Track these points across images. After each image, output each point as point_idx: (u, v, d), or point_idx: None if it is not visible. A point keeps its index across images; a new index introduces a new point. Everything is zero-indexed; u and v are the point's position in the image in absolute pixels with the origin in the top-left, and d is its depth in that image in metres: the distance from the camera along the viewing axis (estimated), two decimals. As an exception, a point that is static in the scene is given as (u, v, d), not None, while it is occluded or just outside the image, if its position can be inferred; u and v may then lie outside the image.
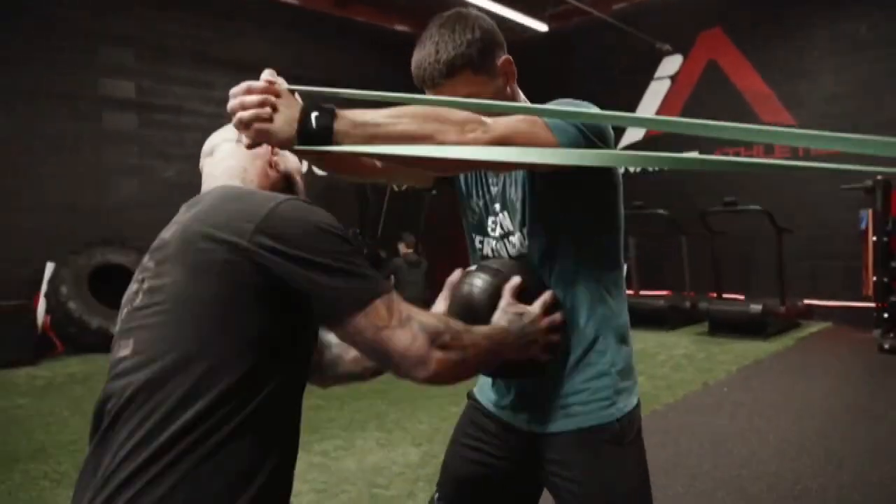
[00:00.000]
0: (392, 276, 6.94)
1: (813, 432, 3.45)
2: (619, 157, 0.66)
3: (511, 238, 1.18)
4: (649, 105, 8.36)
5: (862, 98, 6.89)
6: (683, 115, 8.17)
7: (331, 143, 0.84)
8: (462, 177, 1.29)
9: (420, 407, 3.99)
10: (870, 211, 6.15)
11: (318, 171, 6.44)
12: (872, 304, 6.26)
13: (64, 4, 6.36)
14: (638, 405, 1.18)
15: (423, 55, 1.09)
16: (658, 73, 8.40)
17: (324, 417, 3.79)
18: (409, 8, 8.93)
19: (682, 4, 8.13)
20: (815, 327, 6.67)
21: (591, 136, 0.99)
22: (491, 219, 1.22)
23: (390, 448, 3.25)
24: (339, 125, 0.85)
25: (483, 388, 1.30)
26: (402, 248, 7.16)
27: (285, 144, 0.85)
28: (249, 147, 0.86)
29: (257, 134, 0.84)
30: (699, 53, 8.09)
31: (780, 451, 3.17)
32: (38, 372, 5.10)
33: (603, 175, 1.11)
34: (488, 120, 0.92)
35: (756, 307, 6.10)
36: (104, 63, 6.65)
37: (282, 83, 0.88)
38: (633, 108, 8.06)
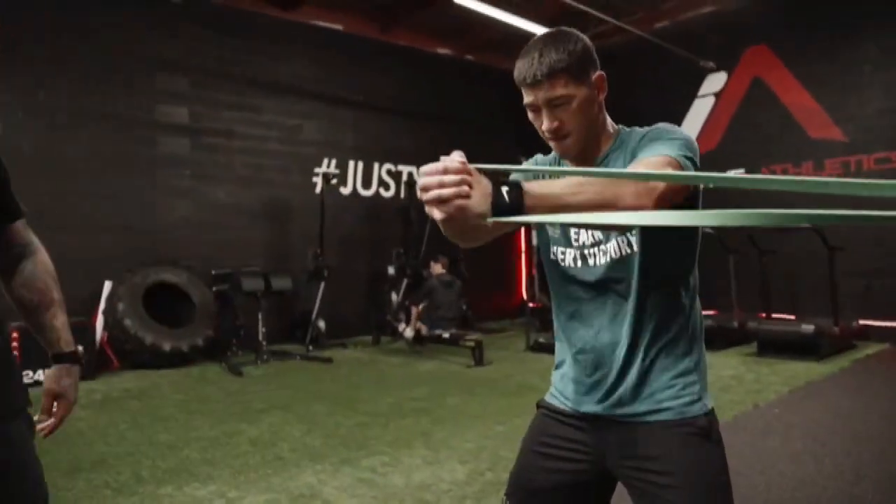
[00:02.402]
0: (427, 297, 6.98)
1: (871, 456, 3.34)
2: (768, 216, 0.71)
3: (603, 246, 1.26)
4: (693, 123, 8.28)
5: (914, 112, 6.70)
6: (729, 131, 8.07)
7: (522, 213, 0.94)
8: None
9: (465, 426, 4.00)
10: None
11: (363, 192, 6.49)
12: (932, 325, 6.05)
13: (123, 30, 6.69)
14: (714, 408, 1.24)
15: (527, 59, 1.18)
16: (702, 91, 8.32)
17: (369, 435, 3.84)
18: (451, 32, 9.08)
19: (725, 22, 8.07)
20: (871, 349, 6.44)
21: (696, 160, 1.14)
22: (574, 230, 1.29)
23: (437, 466, 3.27)
24: (528, 200, 0.94)
25: (563, 392, 1.34)
26: (437, 268, 7.23)
27: (479, 218, 0.92)
28: (445, 221, 0.92)
29: (457, 210, 0.91)
30: (744, 70, 7.98)
31: (837, 475, 3.08)
32: (96, 386, 5.29)
33: (695, 198, 1.19)
34: (650, 182, 1.02)
35: (808, 327, 5.93)
36: (160, 88, 6.96)
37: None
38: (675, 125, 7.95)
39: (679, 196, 1.06)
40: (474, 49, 9.76)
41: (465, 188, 0.90)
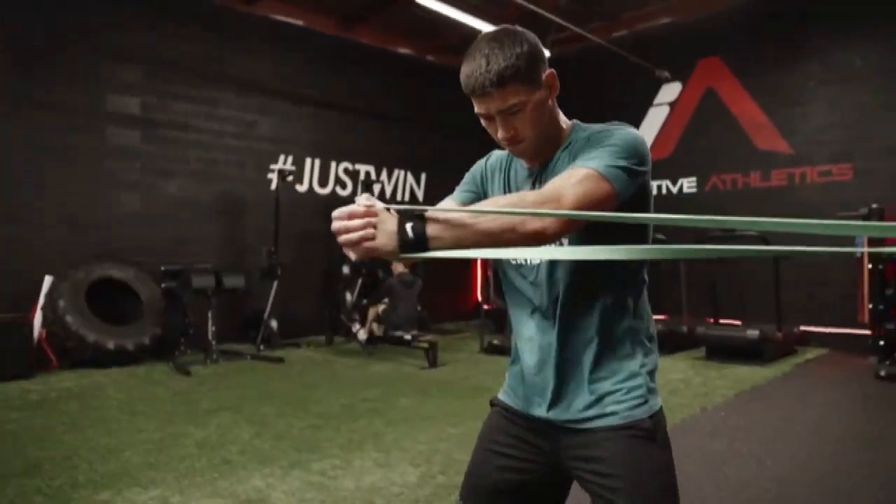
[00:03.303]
0: (387, 296, 6.91)
1: (811, 458, 3.43)
2: (699, 251, 0.73)
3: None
4: (648, 131, 8.44)
5: (854, 128, 6.97)
6: (683, 140, 8.25)
7: (427, 248, 0.98)
8: (491, 189, 1.36)
9: (418, 428, 3.96)
10: (865, 238, 6.17)
11: (320, 190, 6.44)
12: (868, 332, 6.28)
13: (73, 19, 6.41)
14: (662, 408, 1.24)
15: (473, 66, 1.14)
16: (657, 100, 8.49)
17: (320, 437, 3.76)
18: (412, 32, 9.04)
19: (681, 33, 8.26)
20: (811, 353, 6.67)
21: (634, 167, 1.11)
22: None
23: (388, 468, 3.22)
24: (430, 230, 0.98)
25: (514, 391, 1.33)
26: (398, 266, 7.09)
27: (391, 255, 0.99)
28: (358, 261, 1.03)
29: (365, 251, 0.99)
30: (697, 81, 8.18)
31: (779, 477, 3.15)
32: (32, 386, 5.05)
33: (637, 200, 1.16)
34: (556, 192, 1.04)
35: (753, 333, 6.10)
36: (110, 78, 6.69)
37: (378, 204, 1.02)
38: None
39: (603, 208, 1.05)
40: (436, 50, 9.74)
41: (370, 231, 0.97)
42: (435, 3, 6.96)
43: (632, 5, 8.06)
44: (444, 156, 9.72)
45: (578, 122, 1.29)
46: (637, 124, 8.41)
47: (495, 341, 6.94)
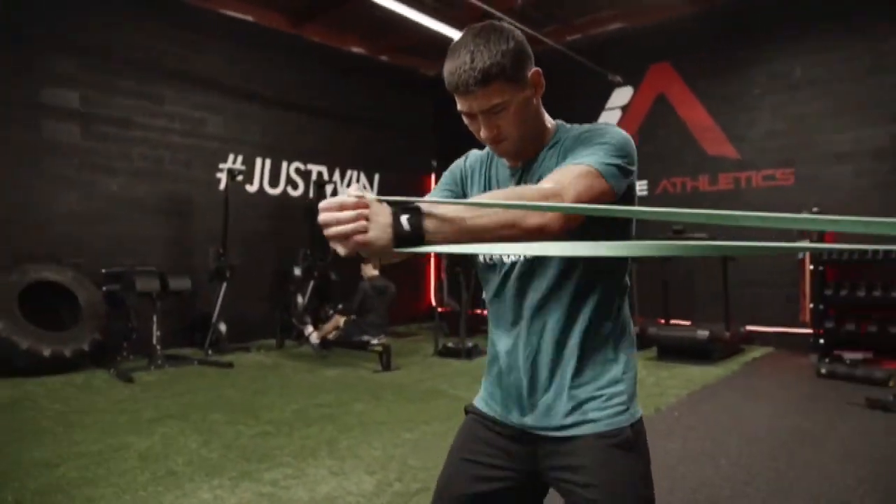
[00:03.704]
0: (361, 305, 6.69)
1: (762, 455, 3.49)
2: (701, 248, 0.72)
3: None
4: (600, 134, 8.52)
5: (796, 135, 7.19)
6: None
7: (423, 242, 0.92)
8: (471, 189, 1.34)
9: (373, 433, 3.87)
10: (807, 241, 6.38)
11: (270, 191, 6.26)
12: (809, 331, 6.49)
13: (6, 5, 6.06)
14: (642, 415, 1.22)
15: (458, 63, 1.11)
16: (609, 104, 8.58)
17: (272, 445, 3.63)
18: (366, 31, 8.91)
19: (633, 39, 8.39)
20: (757, 352, 6.84)
21: (626, 165, 1.10)
22: None
23: (343, 477, 3.12)
24: (428, 224, 0.92)
25: (492, 396, 1.30)
26: (368, 269, 6.84)
27: (384, 250, 0.92)
28: (350, 256, 0.95)
29: (357, 246, 0.91)
30: (649, 86, 8.31)
31: (732, 475, 3.19)
32: (-40, 396, 4.73)
33: (625, 198, 1.15)
34: (558, 187, 1.01)
35: (703, 333, 6.22)
36: (47, 70, 6.35)
37: (369, 195, 0.95)
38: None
39: (601, 203, 1.04)
40: (390, 51, 9.64)
41: (363, 223, 0.90)
42: (389, 2, 6.87)
43: (586, 10, 8.14)
44: (398, 156, 9.68)
45: (562, 122, 1.27)
46: (590, 128, 8.54)
47: (449, 344, 6.89)
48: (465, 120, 1.19)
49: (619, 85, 8.42)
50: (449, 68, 1.13)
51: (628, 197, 1.16)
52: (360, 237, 0.91)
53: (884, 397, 4.52)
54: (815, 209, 6.54)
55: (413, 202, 0.95)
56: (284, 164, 8.43)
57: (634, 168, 1.14)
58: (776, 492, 2.97)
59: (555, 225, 0.97)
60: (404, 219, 0.91)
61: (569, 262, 1.17)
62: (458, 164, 1.39)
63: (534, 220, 0.96)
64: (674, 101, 8.08)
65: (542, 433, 1.20)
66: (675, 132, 7.97)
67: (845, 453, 3.53)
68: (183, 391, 5.03)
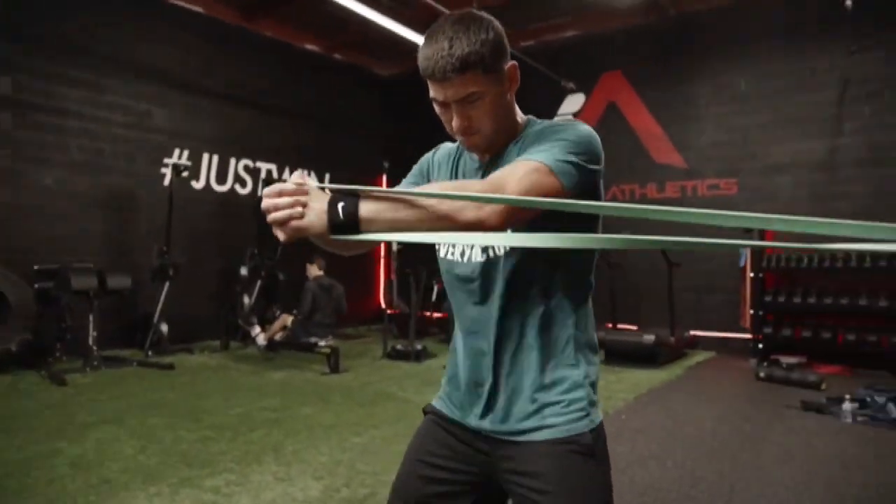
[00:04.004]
0: (308, 304, 6.58)
1: (706, 458, 3.56)
2: (652, 242, 0.75)
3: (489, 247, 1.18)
4: (552, 139, 8.62)
5: (740, 145, 7.43)
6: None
7: (359, 230, 0.93)
8: (436, 181, 1.31)
9: (320, 438, 3.77)
10: (748, 249, 6.59)
11: (217, 187, 6.07)
12: (749, 336, 6.70)
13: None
14: (602, 421, 1.20)
15: (435, 48, 1.07)
16: (562, 110, 8.69)
17: (214, 450, 3.49)
18: (319, 28, 8.77)
19: (587, 47, 8.52)
20: (700, 356, 7.02)
21: (584, 163, 1.06)
22: None
23: (289, 482, 3.02)
24: (364, 212, 0.93)
25: (450, 397, 1.28)
26: (314, 269, 6.76)
27: (320, 236, 0.96)
28: (287, 242, 0.97)
29: (294, 231, 0.94)
30: (600, 94, 8.45)
31: (678, 478, 3.24)
32: None
33: (585, 197, 1.10)
34: (500, 182, 0.98)
35: (649, 337, 6.33)
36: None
37: (311, 183, 0.97)
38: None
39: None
40: (343, 48, 9.53)
41: (298, 209, 0.92)
42: (344, -1, 6.76)
43: (540, 17, 8.21)
44: (350, 155, 9.56)
45: (533, 117, 1.24)
46: (542, 133, 8.63)
47: (398, 346, 6.84)
48: (437, 109, 1.15)
49: (572, 91, 8.53)
50: (425, 53, 1.08)
51: (590, 196, 1.11)
52: (295, 223, 0.93)
53: (817, 400, 4.70)
54: (756, 218, 6.75)
55: (353, 190, 0.94)
56: (232, 161, 8.20)
57: (597, 166, 1.10)
58: (720, 494, 3.03)
59: (493, 221, 0.94)
60: (340, 206, 0.92)
61: (532, 264, 1.14)
62: (427, 156, 1.36)
63: (470, 214, 0.93)
64: (624, 109, 8.24)
65: (500, 437, 1.18)
66: (625, 140, 8.12)
67: (783, 454, 3.64)
68: (120, 394, 4.81)
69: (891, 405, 4.33)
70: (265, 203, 0.95)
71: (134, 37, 7.13)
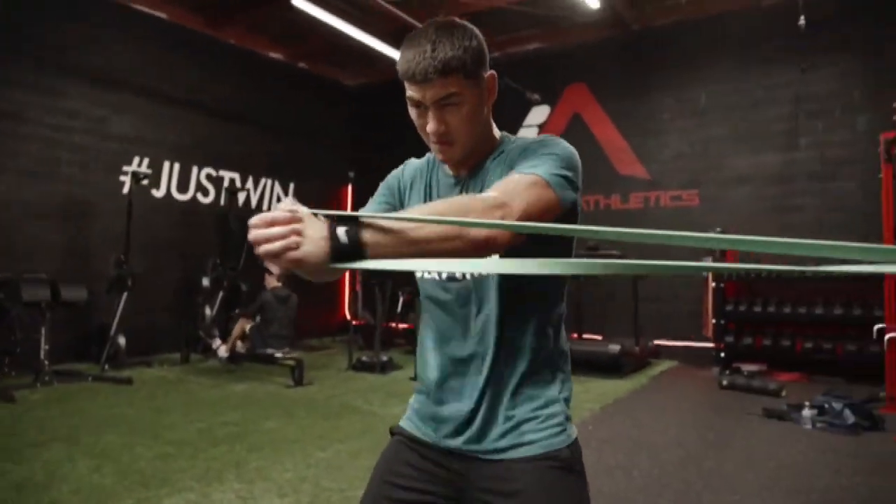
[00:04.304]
0: (260, 312, 6.49)
1: (672, 466, 3.58)
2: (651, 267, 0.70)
3: None
4: (518, 151, 8.67)
5: (701, 157, 7.58)
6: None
7: (362, 256, 0.86)
8: (409, 201, 1.28)
9: (284, 453, 3.68)
10: (709, 259, 6.71)
11: (179, 196, 5.93)
12: (712, 345, 6.81)
13: None
14: (577, 436, 1.19)
15: (417, 50, 1.07)
16: (527, 122, 8.75)
17: (173, 468, 3.37)
18: (285, 36, 8.69)
19: (552, 59, 8.60)
20: (664, 366, 7.09)
21: (574, 179, 1.08)
22: None
23: (252, 501, 2.92)
24: (367, 237, 0.86)
25: (420, 416, 1.25)
26: (272, 280, 6.67)
27: (319, 266, 0.86)
28: (282, 276, 0.78)
29: (291, 263, 0.85)
30: (565, 105, 8.53)
31: (645, 487, 3.24)
32: None
33: (570, 214, 1.11)
34: (505, 197, 0.96)
35: (614, 347, 6.38)
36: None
37: (303, 209, 0.89)
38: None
39: (548, 216, 1.02)
40: (309, 57, 9.44)
41: (295, 239, 0.84)
42: (311, 7, 6.71)
43: (506, 29, 8.28)
44: (315, 166, 9.47)
45: (507, 133, 1.25)
46: (508, 144, 8.67)
47: (364, 358, 6.77)
48: (413, 114, 1.13)
49: (537, 103, 8.57)
50: (406, 55, 1.08)
51: (572, 214, 1.12)
52: (292, 254, 0.84)
53: (778, 407, 4.79)
54: (718, 229, 6.88)
55: (350, 215, 0.88)
56: (195, 170, 8.03)
57: (580, 184, 1.12)
58: (686, 502, 3.04)
59: (502, 237, 0.92)
60: (341, 231, 0.85)
61: (508, 279, 1.13)
62: (396, 174, 1.33)
63: (479, 231, 0.90)
64: (589, 121, 8.33)
65: (475, 455, 1.15)
66: (590, 151, 8.16)
67: (747, 461, 3.68)
68: (73, 411, 4.63)
69: (847, 411, 4.43)
70: (255, 234, 0.86)
71: (93, 41, 6.95)
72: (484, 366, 1.15)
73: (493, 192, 0.99)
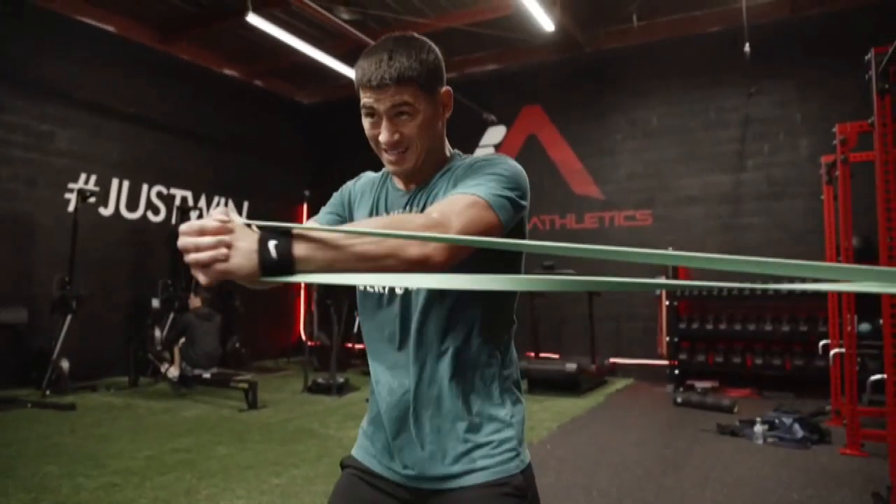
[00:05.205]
0: (183, 333, 6.39)
1: (630, 485, 3.60)
2: (601, 283, 0.69)
3: None
4: (475, 170, 8.73)
5: (654, 177, 7.76)
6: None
7: (293, 271, 0.83)
8: (357, 212, 1.28)
9: (237, 480, 3.56)
10: (663, 277, 6.83)
11: (128, 215, 5.74)
12: (666, 362, 6.92)
13: None
14: (530, 462, 1.17)
15: (375, 59, 1.08)
16: (483, 142, 8.83)
17: (119, 499, 3.22)
18: (239, 53, 8.59)
19: (507, 80, 8.72)
20: (620, 383, 7.16)
21: (518, 199, 1.06)
22: None
23: (201, 531, 2.81)
24: (298, 251, 0.84)
25: (372, 441, 1.22)
26: (195, 301, 6.65)
27: (249, 279, 0.84)
28: (208, 286, 0.86)
29: (217, 274, 0.83)
30: (521, 126, 8.65)
31: (604, 507, 3.25)
32: None
33: (515, 233, 1.11)
34: (442, 217, 0.95)
35: (571, 366, 6.40)
36: None
37: (236, 219, 0.86)
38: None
39: (488, 237, 0.99)
40: (264, 74, 9.35)
41: (223, 251, 0.82)
42: (266, 25, 6.66)
43: (462, 50, 8.37)
44: (270, 184, 9.35)
45: (459, 151, 1.25)
46: (465, 163, 8.74)
47: (319, 380, 6.63)
48: (366, 122, 1.12)
49: (493, 124, 8.70)
50: (363, 64, 1.09)
51: (518, 232, 1.12)
52: (220, 265, 0.82)
53: (731, 423, 4.88)
54: (670, 248, 7.05)
55: (284, 227, 0.85)
56: (145, 187, 7.82)
57: (526, 202, 1.10)
58: (645, 521, 3.05)
59: (438, 257, 0.90)
60: (272, 245, 0.82)
61: (455, 297, 1.11)
62: (348, 185, 1.32)
63: (415, 250, 0.88)
64: (544, 141, 8.46)
65: (426, 485, 1.13)
66: (545, 171, 8.32)
67: (703, 477, 3.73)
68: (10, 440, 4.39)
69: (796, 426, 4.55)
70: (183, 242, 0.84)
71: (36, 54, 6.72)
72: (424, 389, 1.13)
73: (432, 213, 0.98)
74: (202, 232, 0.83)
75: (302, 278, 0.84)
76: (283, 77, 9.45)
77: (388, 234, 0.87)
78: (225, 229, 0.83)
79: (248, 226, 0.86)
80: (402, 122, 1.09)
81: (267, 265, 0.82)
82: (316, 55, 7.42)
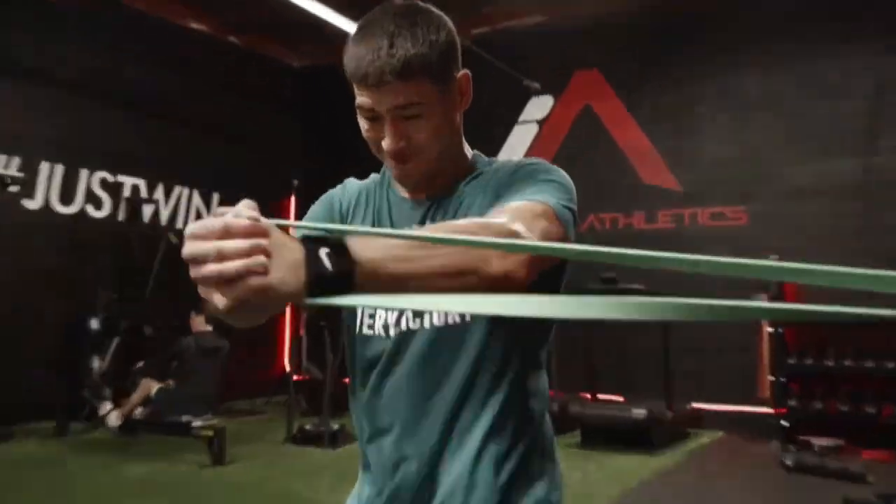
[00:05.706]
0: (177, 362, 6.36)
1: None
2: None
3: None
4: (512, 153, 8.54)
5: (750, 164, 7.54)
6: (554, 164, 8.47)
7: (351, 289, 0.79)
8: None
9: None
10: (764, 296, 6.53)
11: (61, 209, 5.52)
12: (770, 410, 6.62)
13: None
14: None
15: (371, 46, 1.08)
16: (524, 117, 8.74)
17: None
18: (208, 3, 8.52)
19: (556, 38, 8.54)
20: (705, 437, 6.95)
21: (576, 212, 1.17)
22: None
23: None
24: (360, 266, 0.80)
25: None
26: (198, 322, 6.65)
27: (292, 301, 0.78)
28: (232, 312, 0.75)
29: (251, 292, 0.73)
30: (572, 96, 8.51)
31: None
32: None
33: (562, 269, 1.22)
34: (517, 226, 0.98)
35: (640, 412, 6.23)
36: None
37: (263, 219, 0.79)
38: (491, 156, 8.23)
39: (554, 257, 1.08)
40: (242, 29, 9.37)
41: (261, 259, 0.74)
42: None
43: (497, -4, 8.20)
44: (248, 170, 9.40)
45: (478, 151, 1.31)
46: (499, 145, 8.57)
47: (307, 426, 6.63)
48: (364, 125, 1.16)
49: (537, 93, 8.55)
50: (356, 52, 1.10)
51: (559, 269, 1.23)
52: (256, 280, 0.73)
53: (865, 497, 4.64)
54: (772, 257, 6.71)
55: (334, 230, 0.86)
56: (84, 174, 7.82)
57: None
58: None
59: (521, 273, 0.95)
60: (324, 253, 0.77)
61: (485, 338, 1.17)
62: (335, 195, 1.36)
63: (498, 264, 0.91)
64: (603, 116, 8.30)
65: None
66: (605, 155, 8.17)
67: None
68: None
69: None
70: (197, 248, 0.73)
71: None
72: (444, 456, 1.17)
73: (501, 218, 1.01)
74: (227, 233, 0.74)
75: (357, 300, 0.85)
76: (268, 32, 9.41)
77: (465, 240, 0.86)
78: (259, 231, 0.75)
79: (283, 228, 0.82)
80: (410, 126, 1.12)
81: (318, 282, 0.76)
82: (309, 5, 7.31)
